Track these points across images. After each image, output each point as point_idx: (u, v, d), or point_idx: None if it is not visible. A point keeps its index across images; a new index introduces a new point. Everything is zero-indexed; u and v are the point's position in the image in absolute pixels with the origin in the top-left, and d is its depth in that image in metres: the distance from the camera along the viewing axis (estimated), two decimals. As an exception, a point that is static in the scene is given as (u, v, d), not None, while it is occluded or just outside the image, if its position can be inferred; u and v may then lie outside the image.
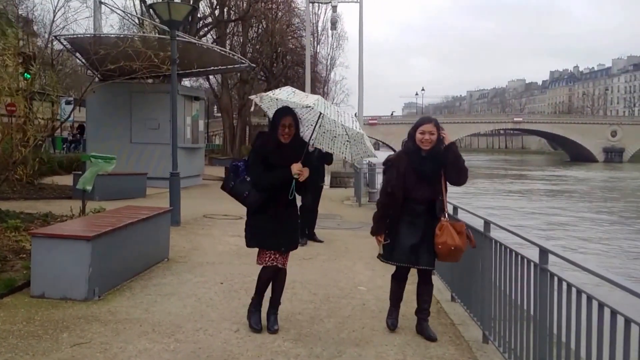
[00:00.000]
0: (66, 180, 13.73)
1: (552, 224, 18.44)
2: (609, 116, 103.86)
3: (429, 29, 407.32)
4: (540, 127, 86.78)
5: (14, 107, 8.41)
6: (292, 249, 4.31)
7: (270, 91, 4.25)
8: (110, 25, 41.17)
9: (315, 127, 4.22)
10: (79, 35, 16.70)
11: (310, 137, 4.29)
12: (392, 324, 4.44)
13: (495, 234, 4.20)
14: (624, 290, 2.42)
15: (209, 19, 29.11)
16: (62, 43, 15.68)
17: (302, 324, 4.55)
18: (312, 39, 35.15)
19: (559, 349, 3.10)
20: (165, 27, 12.12)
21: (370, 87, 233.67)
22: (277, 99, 4.12)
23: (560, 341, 3.08)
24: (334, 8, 23.11)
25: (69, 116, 18.32)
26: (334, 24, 30.07)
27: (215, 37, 29.05)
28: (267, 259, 4.19)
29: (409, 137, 4.22)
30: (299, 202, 4.47)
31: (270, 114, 4.22)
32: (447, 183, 4.22)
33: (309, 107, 4.09)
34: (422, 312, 4.38)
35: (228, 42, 29.56)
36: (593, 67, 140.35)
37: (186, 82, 23.00)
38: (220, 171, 20.36)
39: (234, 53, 19.69)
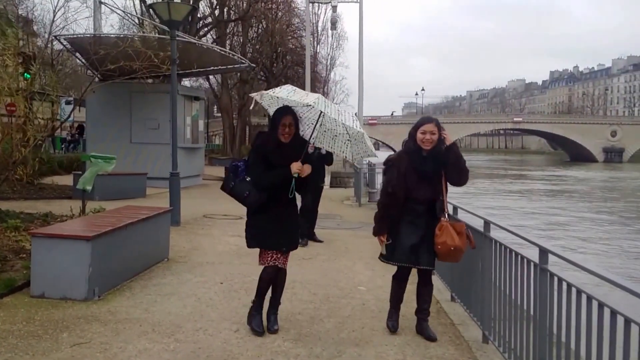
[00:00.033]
0: (66, 180, 13.74)
1: (552, 224, 18.44)
2: (608, 116, 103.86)
3: (429, 29, 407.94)
4: (540, 127, 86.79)
5: (14, 107, 8.42)
6: (292, 248, 4.30)
7: (271, 89, 4.25)
8: (111, 25, 41.16)
9: (315, 126, 4.21)
10: (79, 35, 16.70)
11: (311, 136, 4.28)
12: (393, 326, 4.41)
13: (495, 234, 4.20)
14: (624, 290, 2.42)
15: (209, 19, 29.10)
16: (62, 43, 15.68)
17: (302, 324, 4.55)
18: (312, 39, 35.13)
19: (558, 349, 3.10)
20: (165, 27, 12.12)
21: (370, 87, 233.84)
22: (277, 97, 4.12)
23: (560, 341, 3.08)
24: (334, 8, 23.05)
25: (69, 116, 18.36)
26: (334, 24, 30.02)
27: (215, 37, 29.04)
28: (268, 259, 4.19)
29: (410, 136, 4.21)
30: (299, 203, 4.47)
31: (271, 112, 4.22)
32: (448, 183, 4.22)
33: (309, 105, 4.08)
34: (422, 312, 4.38)
35: (228, 42, 29.56)
36: (593, 67, 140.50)
37: (186, 82, 23.00)
38: (220, 171, 20.35)
39: (234, 53, 19.69)
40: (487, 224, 4.28)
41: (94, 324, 4.35)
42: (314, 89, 31.20)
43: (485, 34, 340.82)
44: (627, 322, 2.41)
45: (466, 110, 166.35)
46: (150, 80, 14.28)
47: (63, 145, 27.78)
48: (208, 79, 34.55)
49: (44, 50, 27.36)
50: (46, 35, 29.29)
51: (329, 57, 47.05)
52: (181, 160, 10.71)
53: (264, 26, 31.12)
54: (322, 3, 27.37)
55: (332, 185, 19.87)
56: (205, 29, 28.16)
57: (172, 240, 7.14)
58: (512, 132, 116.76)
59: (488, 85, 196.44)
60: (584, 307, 2.79)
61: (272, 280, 4.29)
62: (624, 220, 20.56)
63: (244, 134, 37.13)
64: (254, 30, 32.85)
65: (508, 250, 3.85)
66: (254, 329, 4.25)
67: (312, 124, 4.24)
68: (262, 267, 4.25)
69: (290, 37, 34.34)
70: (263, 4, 29.47)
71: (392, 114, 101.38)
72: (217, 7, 28.92)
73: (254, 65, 23.17)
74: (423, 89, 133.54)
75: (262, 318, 4.33)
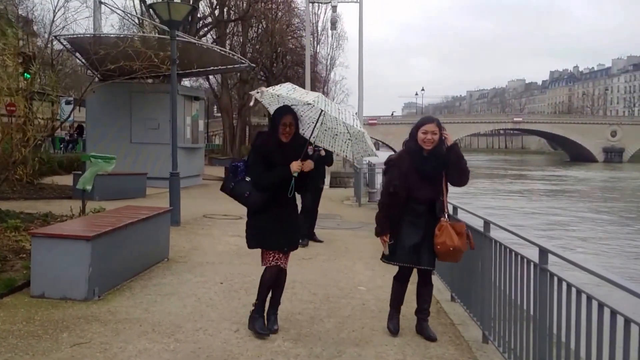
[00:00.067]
0: (66, 180, 13.74)
1: (552, 224, 18.45)
2: (608, 116, 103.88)
3: (429, 29, 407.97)
4: (540, 127, 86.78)
5: (14, 107, 8.42)
6: (293, 249, 4.29)
7: (271, 87, 4.24)
8: (111, 25, 41.13)
9: (316, 124, 4.19)
10: (79, 35, 16.70)
11: (311, 135, 4.28)
12: (394, 328, 4.37)
13: (495, 233, 4.20)
14: (624, 290, 2.42)
15: (209, 19, 29.10)
16: (62, 43, 15.68)
17: (302, 324, 4.55)
18: (312, 39, 35.11)
19: (558, 349, 3.10)
20: (165, 27, 12.12)
21: (370, 87, 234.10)
22: (277, 95, 4.11)
23: (560, 341, 3.08)
24: (334, 8, 23.04)
25: (69, 116, 18.36)
26: (333, 24, 30.01)
27: (215, 37, 29.04)
28: (271, 259, 4.18)
29: (411, 136, 4.20)
30: (299, 203, 4.46)
31: (271, 110, 4.21)
32: (448, 183, 4.22)
33: (310, 104, 4.08)
34: (422, 312, 4.37)
35: (228, 42, 29.55)
36: (593, 67, 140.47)
37: (186, 82, 22.99)
38: (220, 171, 20.37)
39: (233, 53, 19.68)
40: (487, 224, 4.28)
41: (94, 324, 4.35)
42: (314, 89, 31.17)
43: (485, 34, 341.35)
44: (627, 322, 2.41)
45: (466, 110, 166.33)
46: (150, 80, 14.28)
47: (62, 145, 27.79)
48: (208, 79, 34.55)
49: (44, 50, 27.34)
50: (46, 35, 29.30)
51: (329, 57, 47.07)
52: (181, 160, 10.71)
53: (264, 26, 31.11)
54: (322, 3, 27.37)
55: (332, 185, 19.88)
56: (205, 29, 28.16)
57: (172, 240, 7.14)
58: (512, 132, 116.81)
59: (488, 85, 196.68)
60: (584, 307, 2.79)
61: (275, 281, 4.28)
62: (624, 220, 20.57)
63: (244, 134, 37.13)
64: (254, 30, 32.85)
65: (508, 250, 3.85)
66: (258, 331, 4.19)
67: (313, 123, 4.23)
68: (263, 267, 4.24)
69: (290, 37, 34.32)
70: (263, 4, 29.46)
71: (392, 114, 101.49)
72: (217, 7, 28.92)
73: (254, 65, 23.17)
74: (423, 89, 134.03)
75: (264, 320, 4.31)
